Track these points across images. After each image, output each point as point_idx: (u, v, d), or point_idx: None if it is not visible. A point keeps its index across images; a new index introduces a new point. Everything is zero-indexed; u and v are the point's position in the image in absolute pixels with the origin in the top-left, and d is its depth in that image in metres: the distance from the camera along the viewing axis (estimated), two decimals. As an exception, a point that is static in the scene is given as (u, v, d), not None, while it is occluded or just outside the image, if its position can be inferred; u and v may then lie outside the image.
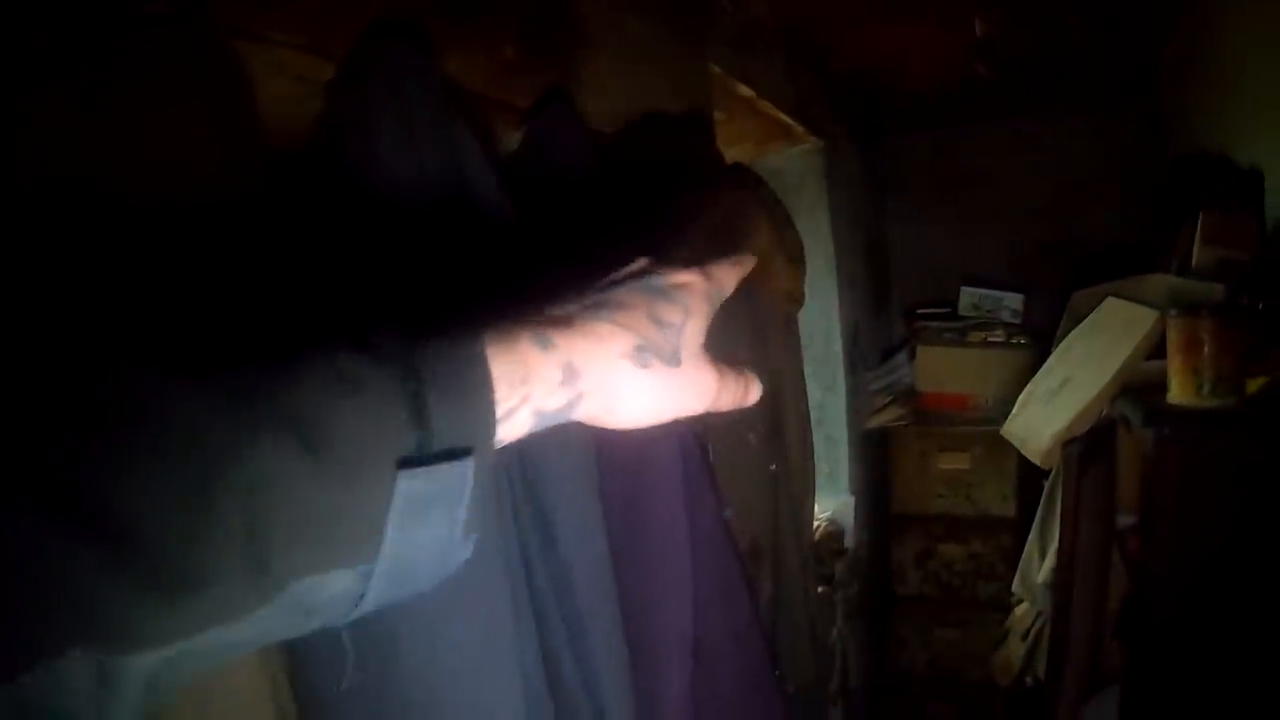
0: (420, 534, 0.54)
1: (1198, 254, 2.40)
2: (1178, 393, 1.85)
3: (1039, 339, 3.35)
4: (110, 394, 0.47)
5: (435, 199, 0.97)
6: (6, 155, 0.71)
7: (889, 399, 3.48)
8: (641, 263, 0.73)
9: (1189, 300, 2.07)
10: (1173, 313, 1.86)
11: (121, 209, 0.76)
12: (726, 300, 1.67)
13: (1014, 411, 2.49)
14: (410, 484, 0.52)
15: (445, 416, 0.55)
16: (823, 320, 3.18)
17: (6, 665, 0.41)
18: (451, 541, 0.56)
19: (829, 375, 3.20)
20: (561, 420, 0.63)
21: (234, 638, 0.49)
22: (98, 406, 0.47)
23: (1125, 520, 2.50)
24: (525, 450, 1.00)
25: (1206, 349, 1.83)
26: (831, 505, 3.16)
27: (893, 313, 3.88)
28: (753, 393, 0.74)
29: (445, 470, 0.54)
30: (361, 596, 0.53)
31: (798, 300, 1.95)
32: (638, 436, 1.20)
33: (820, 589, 2.62)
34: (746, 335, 1.69)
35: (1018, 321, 3.59)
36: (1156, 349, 2.12)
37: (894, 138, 3.82)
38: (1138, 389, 2.11)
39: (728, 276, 0.76)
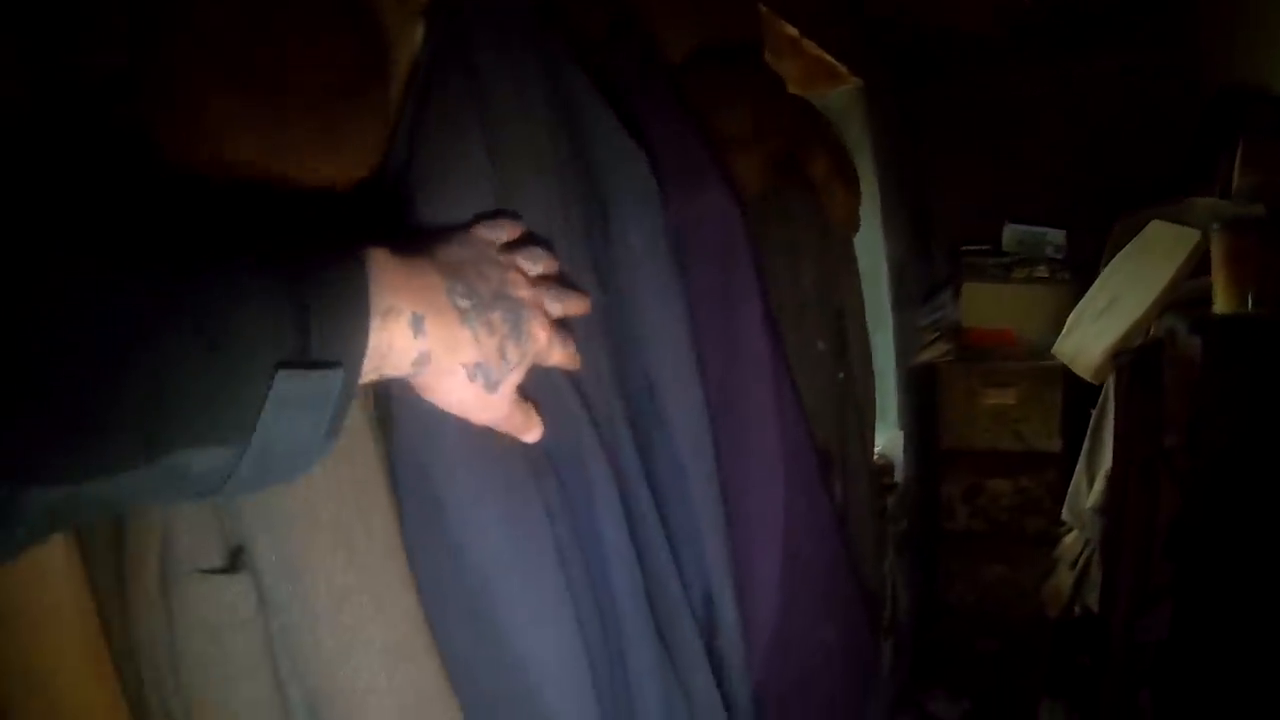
0: (288, 427, 0.64)
1: (1238, 178, 2.47)
2: (1223, 304, 1.94)
3: (1082, 274, 3.40)
4: (57, 270, 0.56)
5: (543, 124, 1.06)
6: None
7: (935, 336, 3.56)
8: (536, 292, 0.86)
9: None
10: (1217, 227, 1.95)
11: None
12: (800, 236, 1.77)
13: (1064, 332, 2.59)
14: (285, 383, 0.62)
15: (324, 330, 0.65)
16: (868, 258, 3.25)
17: None
18: (314, 440, 0.67)
19: (875, 312, 3.28)
20: (394, 368, 0.74)
21: (119, 491, 0.58)
22: (43, 279, 0.55)
23: (1173, 441, 2.58)
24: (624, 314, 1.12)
25: (1252, 260, 1.92)
26: (880, 440, 3.25)
27: (937, 252, 3.95)
28: (532, 432, 0.88)
29: (316, 376, 0.64)
30: (229, 475, 0.62)
31: (854, 223, 2.06)
32: (734, 318, 1.31)
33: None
34: (812, 256, 1.78)
35: (1061, 257, 3.65)
36: (1199, 270, 2.22)
37: (935, 79, 3.88)
38: (1183, 307, 2.20)
39: (557, 352, 0.88)
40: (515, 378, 0.83)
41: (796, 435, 1.41)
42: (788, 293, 1.64)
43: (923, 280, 3.76)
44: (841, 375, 1.77)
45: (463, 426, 0.86)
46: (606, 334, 1.07)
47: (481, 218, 0.92)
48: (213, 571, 0.83)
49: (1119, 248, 2.67)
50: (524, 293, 0.84)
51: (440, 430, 0.88)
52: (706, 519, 1.17)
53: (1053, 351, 2.76)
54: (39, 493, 0.54)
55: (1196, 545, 2.44)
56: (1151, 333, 2.42)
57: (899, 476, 3.32)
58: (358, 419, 0.87)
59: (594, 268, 1.06)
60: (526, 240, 0.93)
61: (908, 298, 3.53)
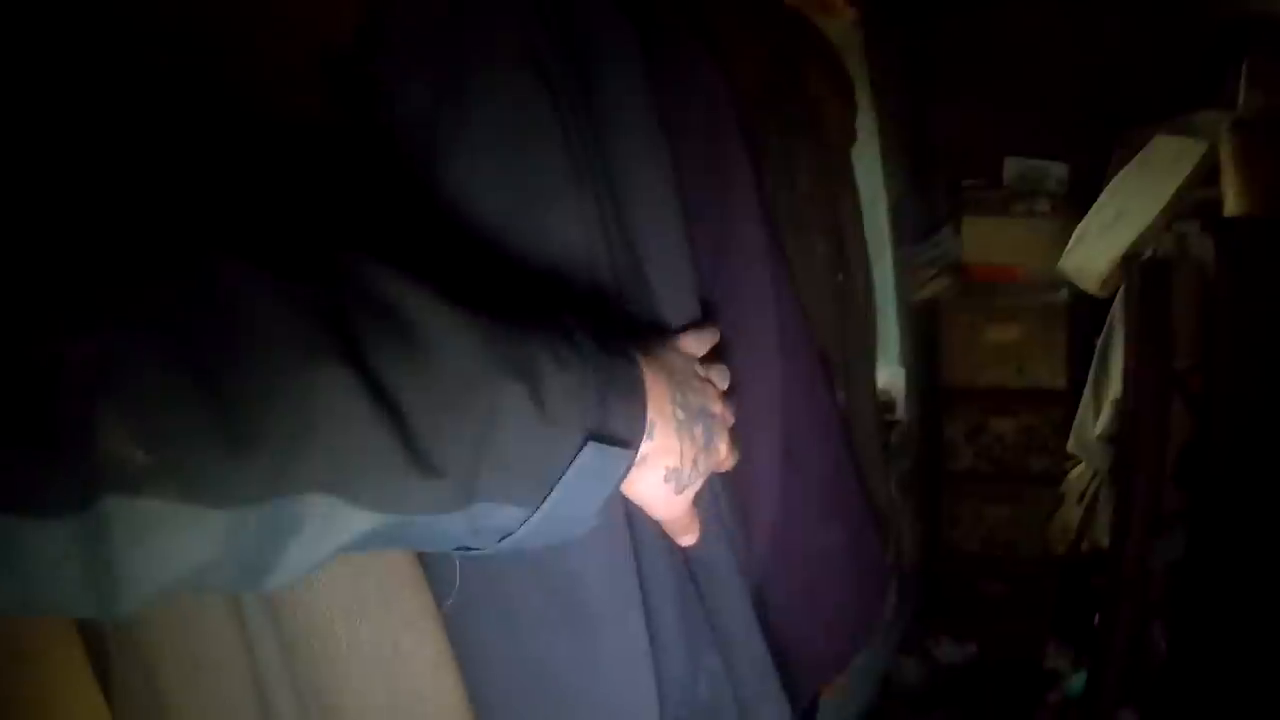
0: (577, 497, 0.68)
1: (1244, 98, 2.43)
2: (1234, 208, 1.90)
3: (1085, 208, 3.36)
4: (406, 316, 0.59)
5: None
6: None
7: (935, 271, 3.52)
8: (725, 409, 0.89)
9: (1239, 128, 2.10)
10: (1226, 127, 1.90)
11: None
12: (794, 138, 1.71)
13: (1069, 247, 2.55)
14: (590, 453, 0.67)
15: (619, 411, 0.70)
16: (867, 193, 3.20)
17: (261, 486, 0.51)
18: (585, 514, 0.71)
19: (875, 248, 3.23)
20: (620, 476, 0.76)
21: (427, 529, 0.61)
22: (391, 314, 0.59)
23: (1185, 365, 2.54)
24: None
25: (1263, 161, 1.87)
26: (882, 377, 3.21)
27: (937, 187, 3.89)
28: (690, 536, 0.91)
29: (614, 452, 0.69)
30: (508, 534, 0.66)
31: (849, 135, 2.01)
32: (726, 201, 1.26)
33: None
34: (806, 162, 1.73)
35: (1063, 191, 3.60)
36: (1207, 184, 2.17)
37: (934, 10, 3.81)
38: (1192, 217, 2.16)
39: (727, 464, 0.91)
40: (698, 485, 0.86)
41: (794, 327, 1.36)
42: (783, 194, 1.59)
43: (923, 216, 3.71)
44: (841, 278, 1.71)
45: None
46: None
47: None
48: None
49: (1126, 161, 2.62)
50: (717, 409, 0.87)
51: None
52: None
53: (1058, 267, 2.72)
54: (364, 517, 0.56)
55: (1211, 471, 2.41)
56: (1159, 251, 2.38)
57: (901, 415, 3.28)
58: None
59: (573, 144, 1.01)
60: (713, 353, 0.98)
61: (908, 233, 3.48)
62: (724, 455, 0.88)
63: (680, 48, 1.30)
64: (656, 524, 0.91)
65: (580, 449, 0.66)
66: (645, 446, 0.76)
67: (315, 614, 0.80)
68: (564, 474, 0.66)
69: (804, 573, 1.39)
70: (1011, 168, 3.67)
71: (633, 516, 0.97)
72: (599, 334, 0.74)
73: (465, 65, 0.91)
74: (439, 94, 0.90)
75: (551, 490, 0.65)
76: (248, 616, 0.80)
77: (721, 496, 1.16)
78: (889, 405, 3.22)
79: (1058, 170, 3.65)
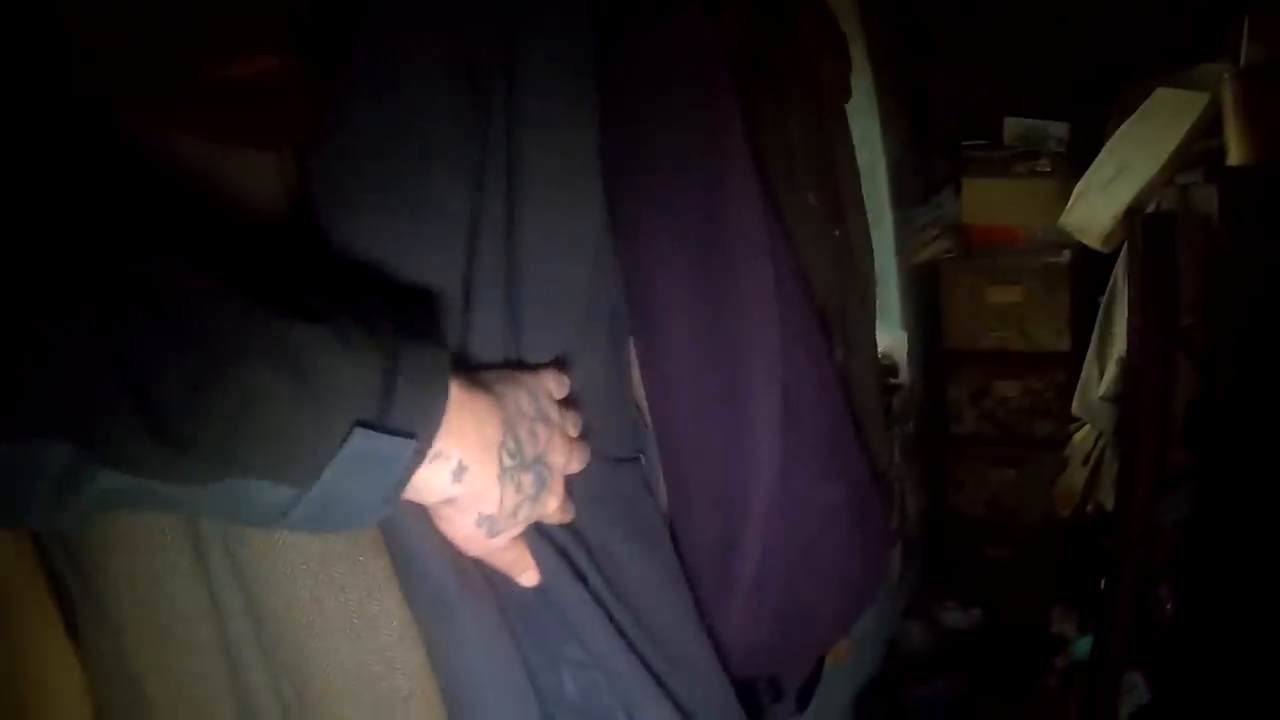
0: (353, 484, 0.67)
1: (1245, 52, 2.39)
2: (1238, 157, 1.87)
3: (1087, 167, 3.33)
4: (174, 283, 0.61)
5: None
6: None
7: (936, 233, 3.50)
8: (568, 459, 0.88)
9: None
10: (1228, 76, 1.87)
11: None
12: (786, 92, 1.68)
13: (1070, 203, 2.52)
14: (360, 440, 0.65)
15: (404, 403, 0.68)
16: (866, 154, 3.17)
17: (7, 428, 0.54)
18: (372, 502, 0.70)
19: (875, 210, 3.20)
20: (417, 496, 0.76)
21: (180, 497, 0.62)
22: (163, 289, 0.60)
23: (1189, 321, 2.52)
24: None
25: (1267, 108, 1.84)
26: (883, 341, 3.18)
27: (935, 148, 3.86)
28: (527, 575, 0.90)
29: (390, 442, 0.68)
30: (284, 514, 0.66)
31: (844, 90, 1.98)
32: (715, 149, 1.23)
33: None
34: (799, 114, 1.71)
35: (1064, 151, 3.57)
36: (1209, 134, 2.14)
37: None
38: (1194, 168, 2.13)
39: (557, 515, 0.90)
40: (516, 532, 0.86)
41: (790, 281, 1.34)
42: (773, 146, 1.56)
43: (922, 177, 3.68)
44: (837, 233, 1.69)
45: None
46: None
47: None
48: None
49: (1126, 114, 2.59)
50: (557, 458, 0.87)
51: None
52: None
53: (1060, 223, 2.70)
54: (108, 475, 0.57)
55: (1217, 428, 2.39)
56: (1162, 205, 2.35)
57: (903, 378, 3.26)
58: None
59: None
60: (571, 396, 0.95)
61: (907, 195, 3.45)
62: (552, 509, 0.88)
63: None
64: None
65: (349, 432, 0.65)
66: (456, 489, 0.76)
67: (282, 579, 0.80)
68: (334, 457, 0.65)
69: (806, 531, 1.38)
70: (1011, 128, 3.64)
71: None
72: (415, 332, 0.74)
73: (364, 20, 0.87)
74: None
75: (322, 473, 0.65)
76: (215, 581, 0.80)
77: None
78: (891, 369, 3.20)
79: (1057, 129, 3.62)
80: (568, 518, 0.92)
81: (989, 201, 3.51)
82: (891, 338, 3.26)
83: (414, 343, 0.72)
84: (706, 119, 1.25)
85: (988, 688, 3.35)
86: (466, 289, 0.90)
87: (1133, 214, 2.25)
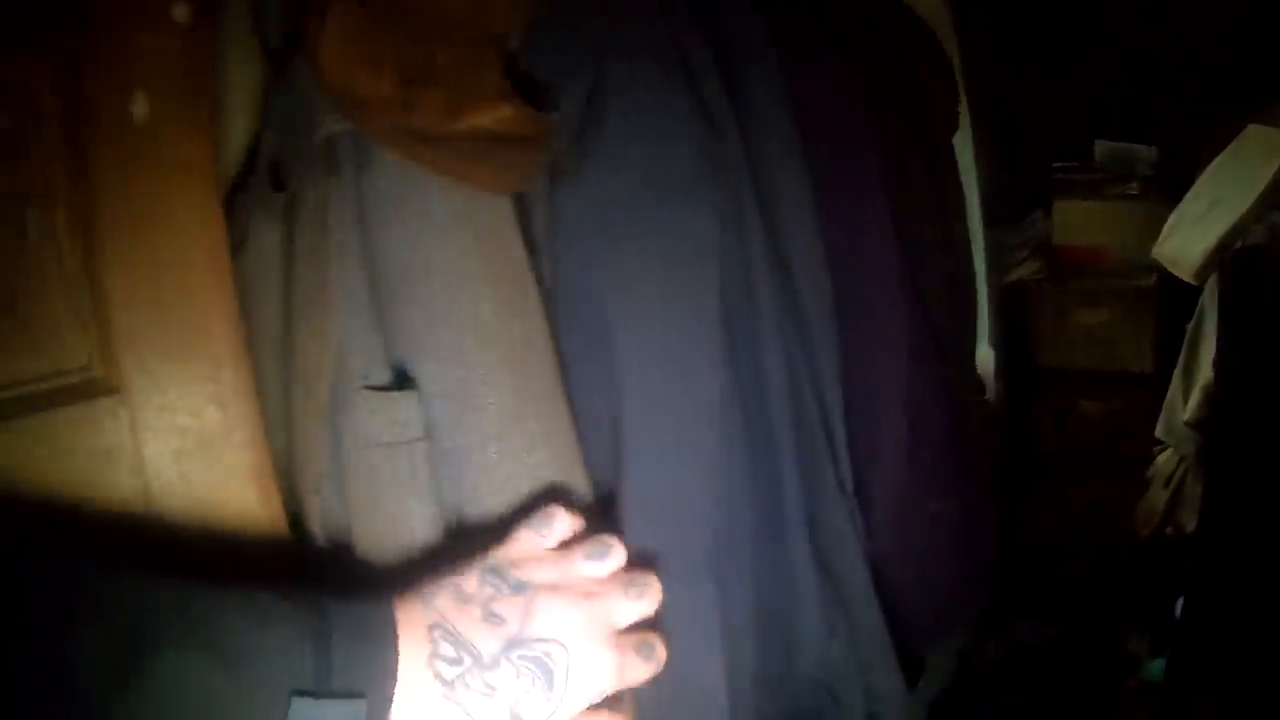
0: None
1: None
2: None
3: (1176, 192, 3.40)
4: (67, 580, 0.60)
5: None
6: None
7: (1025, 254, 3.58)
8: (603, 602, 0.77)
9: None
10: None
11: None
12: (905, 130, 1.78)
13: (1163, 235, 2.61)
14: (300, 711, 0.61)
15: (346, 659, 0.64)
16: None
17: None
18: None
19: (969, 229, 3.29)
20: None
21: None
22: (55, 588, 0.59)
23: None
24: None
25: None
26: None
27: (1027, 168, 3.93)
28: (658, 658, 0.79)
29: (335, 707, 0.63)
30: None
31: (955, 125, 2.09)
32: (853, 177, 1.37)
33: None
34: (919, 155, 1.81)
35: (1153, 174, 3.64)
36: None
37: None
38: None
39: (640, 670, 0.78)
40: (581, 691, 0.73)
41: (918, 300, 1.47)
42: (897, 181, 1.68)
43: (1012, 197, 3.76)
44: (948, 264, 1.81)
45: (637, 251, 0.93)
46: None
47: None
48: (381, 389, 0.89)
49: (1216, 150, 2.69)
50: (575, 614, 0.74)
51: (614, 257, 0.95)
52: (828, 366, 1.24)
53: (1153, 254, 2.80)
54: None
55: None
56: (1251, 241, 2.44)
57: (990, 395, 3.34)
58: (510, 239, 0.94)
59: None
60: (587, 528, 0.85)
61: (998, 214, 3.53)
62: (612, 666, 0.75)
63: (806, 43, 1.41)
64: None
65: (288, 707, 0.61)
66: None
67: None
68: None
69: (921, 542, 1.49)
70: (1101, 150, 3.72)
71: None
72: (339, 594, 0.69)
73: (607, 64, 1.02)
74: (589, 94, 1.01)
75: None
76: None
77: (842, 467, 1.28)
78: (980, 387, 3.28)
79: (1147, 153, 3.68)
80: (659, 666, 0.79)
81: (1079, 222, 3.59)
82: (981, 355, 3.34)
83: (351, 599, 0.69)
84: (848, 157, 1.39)
85: (1058, 705, 3.42)
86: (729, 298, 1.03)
87: (1223, 249, 2.36)
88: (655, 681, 0.79)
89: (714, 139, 1.11)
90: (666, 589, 0.80)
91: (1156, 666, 3.39)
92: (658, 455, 1.08)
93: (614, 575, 0.80)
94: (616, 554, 0.80)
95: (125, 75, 0.84)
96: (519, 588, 0.73)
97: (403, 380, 0.90)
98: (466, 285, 0.89)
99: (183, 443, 0.84)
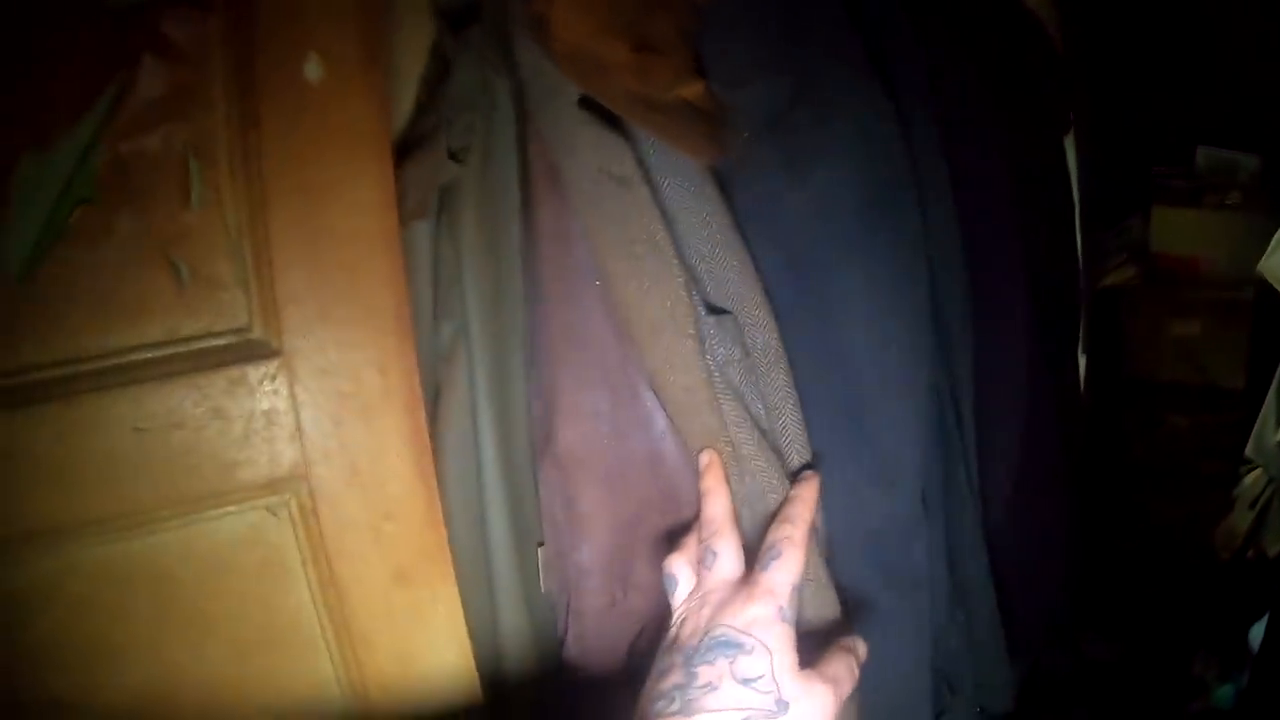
0: None
1: None
2: None
3: (1279, 202, 3.37)
4: None
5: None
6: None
7: (1121, 259, 3.55)
8: (697, 617, 0.88)
9: None
10: None
11: None
12: (1023, 129, 1.78)
13: (1270, 249, 2.59)
14: None
15: None
16: (1057, 174, 3.26)
17: None
18: None
19: (1065, 234, 3.28)
20: None
21: None
22: None
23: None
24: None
25: None
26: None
27: (1127, 175, 3.91)
28: (860, 655, 0.94)
29: None
30: None
31: (1067, 126, 2.10)
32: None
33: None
34: (1033, 154, 1.82)
35: (1256, 184, 3.61)
36: None
37: (1130, -10, 3.82)
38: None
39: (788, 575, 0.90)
40: (787, 666, 0.84)
41: (1040, 307, 1.48)
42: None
43: (1111, 201, 3.73)
44: (1058, 268, 1.82)
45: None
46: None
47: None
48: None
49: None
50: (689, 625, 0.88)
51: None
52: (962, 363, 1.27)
53: (1258, 269, 2.76)
54: None
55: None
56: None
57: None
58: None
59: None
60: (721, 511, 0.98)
61: (1096, 217, 3.51)
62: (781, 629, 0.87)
63: (942, 42, 1.43)
64: None
65: None
66: None
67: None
68: None
69: (1032, 543, 1.51)
70: (1203, 157, 3.69)
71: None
72: None
73: (815, 66, 1.05)
74: (796, 94, 1.04)
75: None
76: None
77: (971, 465, 1.31)
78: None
79: (1249, 162, 3.65)
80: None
81: (1177, 230, 3.56)
82: (1072, 361, 3.33)
83: None
84: (979, 155, 1.41)
85: (1124, 721, 3.42)
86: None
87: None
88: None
89: (913, 151, 1.16)
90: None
91: (1224, 693, 3.37)
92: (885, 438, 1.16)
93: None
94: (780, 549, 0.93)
95: (299, 35, 0.85)
96: (749, 645, 0.83)
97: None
98: (731, 235, 1.01)
99: (341, 407, 0.86)
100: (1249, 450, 3.17)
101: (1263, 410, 3.08)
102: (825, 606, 1.06)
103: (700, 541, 0.96)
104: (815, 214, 1.05)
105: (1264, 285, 3.16)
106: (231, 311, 0.84)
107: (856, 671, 0.90)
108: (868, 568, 1.17)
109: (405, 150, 0.98)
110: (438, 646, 0.93)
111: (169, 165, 0.82)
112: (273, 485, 0.85)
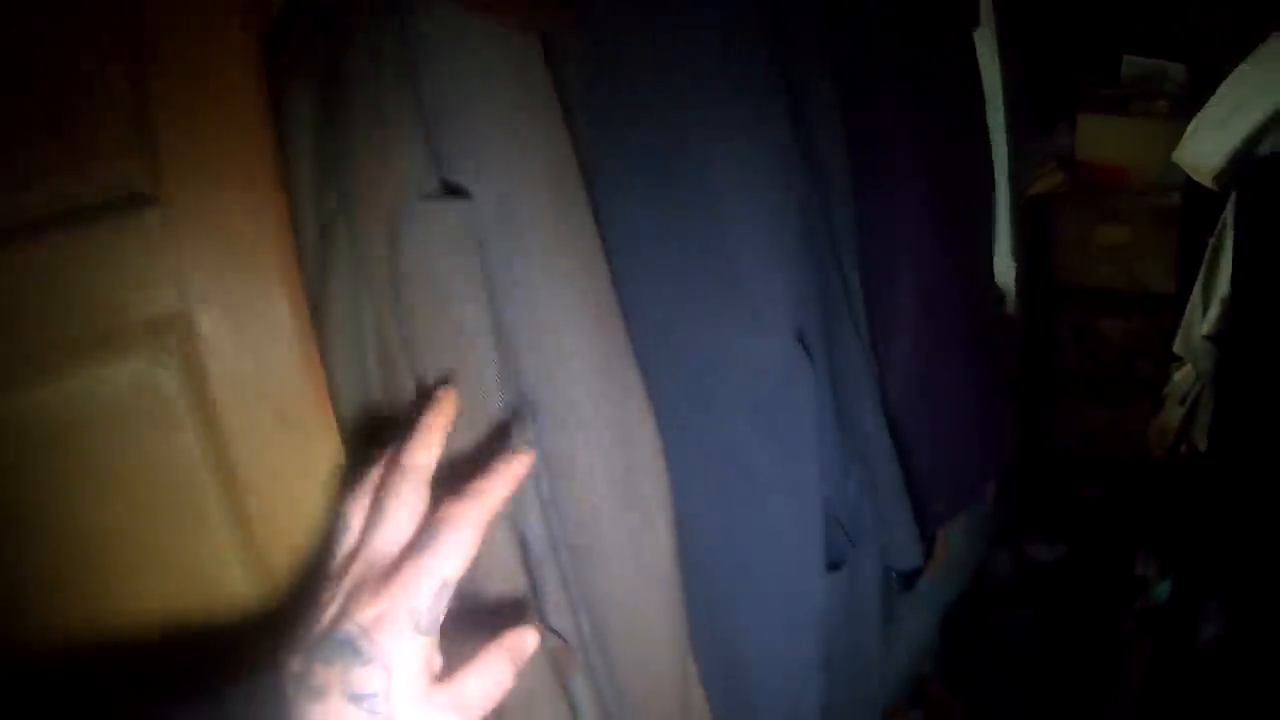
0: None
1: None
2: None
3: (1203, 111, 3.39)
4: None
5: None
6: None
7: (1049, 167, 3.58)
8: (334, 592, 0.77)
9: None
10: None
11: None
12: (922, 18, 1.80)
13: (1184, 139, 2.63)
14: None
15: None
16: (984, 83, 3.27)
17: None
18: None
19: (991, 138, 3.30)
20: None
21: None
22: None
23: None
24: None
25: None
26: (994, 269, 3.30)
27: (1053, 84, 3.92)
28: (525, 651, 0.81)
29: None
30: None
31: (975, 19, 2.11)
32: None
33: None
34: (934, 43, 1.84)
35: (1183, 93, 3.63)
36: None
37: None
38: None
39: (443, 562, 0.76)
40: (407, 685, 0.74)
41: (932, 173, 1.51)
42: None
43: (1037, 109, 3.75)
44: (965, 154, 1.84)
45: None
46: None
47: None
48: (434, 197, 0.96)
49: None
50: (379, 605, 0.74)
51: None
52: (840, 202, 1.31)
53: (1173, 158, 2.81)
54: None
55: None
56: (1275, 148, 2.46)
57: (1011, 309, 3.36)
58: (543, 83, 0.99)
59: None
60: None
61: (1022, 126, 3.53)
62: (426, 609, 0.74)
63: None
64: None
65: None
66: None
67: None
68: None
69: (934, 410, 1.55)
70: (1129, 66, 3.71)
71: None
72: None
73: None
74: None
75: None
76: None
77: (856, 311, 1.34)
78: (1000, 298, 3.29)
79: (1176, 72, 3.67)
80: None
81: (1104, 138, 3.59)
82: (1001, 268, 3.36)
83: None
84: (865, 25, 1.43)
85: (1067, 622, 3.50)
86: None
87: (1245, 154, 2.37)
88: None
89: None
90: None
91: (1164, 589, 3.44)
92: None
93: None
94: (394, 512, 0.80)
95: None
96: (369, 654, 0.73)
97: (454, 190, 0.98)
98: (507, 110, 0.96)
99: (220, 253, 0.89)
100: (1177, 347, 3.22)
101: (1188, 307, 3.13)
102: (508, 583, 1.00)
103: (381, 489, 0.81)
104: (667, 58, 1.07)
105: (1191, 191, 3.21)
106: (117, 170, 0.86)
107: (510, 680, 0.79)
108: (748, 423, 1.21)
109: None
110: (321, 491, 0.95)
111: (51, 33, 0.84)
112: (155, 329, 0.87)
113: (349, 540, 0.80)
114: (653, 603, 1.08)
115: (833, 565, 1.37)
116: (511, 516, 0.98)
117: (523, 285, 0.96)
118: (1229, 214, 2.78)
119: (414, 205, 0.94)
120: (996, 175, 3.09)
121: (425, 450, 0.82)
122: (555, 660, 1.02)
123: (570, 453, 1.00)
